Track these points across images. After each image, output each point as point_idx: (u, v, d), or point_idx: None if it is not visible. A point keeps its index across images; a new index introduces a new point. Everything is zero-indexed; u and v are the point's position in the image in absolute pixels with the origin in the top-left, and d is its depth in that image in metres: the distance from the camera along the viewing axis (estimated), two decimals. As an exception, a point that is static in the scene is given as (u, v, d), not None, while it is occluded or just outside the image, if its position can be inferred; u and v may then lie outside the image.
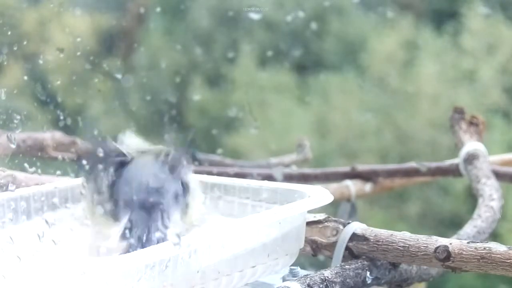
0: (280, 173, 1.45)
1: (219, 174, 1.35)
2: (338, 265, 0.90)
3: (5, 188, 0.91)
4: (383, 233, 0.92)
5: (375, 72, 3.00)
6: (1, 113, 0.96)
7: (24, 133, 1.22)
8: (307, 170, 1.56)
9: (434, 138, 2.74)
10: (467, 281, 2.43)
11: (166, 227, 0.82)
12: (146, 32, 2.61)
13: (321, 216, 0.96)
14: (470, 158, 1.32)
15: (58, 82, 1.33)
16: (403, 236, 0.91)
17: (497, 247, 0.85)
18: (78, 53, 1.45)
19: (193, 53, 2.08)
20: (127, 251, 0.79)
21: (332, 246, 0.93)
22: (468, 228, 1.11)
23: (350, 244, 0.92)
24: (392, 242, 0.91)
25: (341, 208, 1.47)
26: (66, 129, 1.32)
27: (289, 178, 1.44)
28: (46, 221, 0.87)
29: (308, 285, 0.83)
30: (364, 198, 1.53)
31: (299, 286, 0.82)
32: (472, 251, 0.86)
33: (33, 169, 1.01)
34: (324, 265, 0.92)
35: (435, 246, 0.88)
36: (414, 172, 1.47)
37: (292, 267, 0.91)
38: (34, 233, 0.83)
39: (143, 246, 0.80)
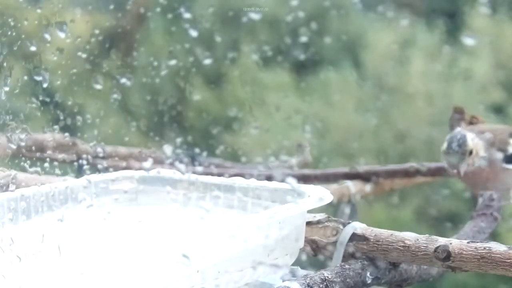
0: (280, 173, 1.45)
1: (219, 175, 1.35)
2: (338, 265, 0.90)
3: (5, 188, 0.91)
4: (383, 233, 0.92)
5: (373, 71, 3.00)
6: (1, 113, 0.96)
7: (24, 134, 1.22)
8: (307, 171, 1.56)
9: (431, 137, 2.74)
10: (462, 279, 2.43)
11: None
12: (146, 32, 2.61)
13: (321, 216, 0.96)
14: (470, 158, 1.32)
15: (58, 82, 1.33)
16: (403, 236, 0.91)
17: (497, 247, 0.85)
18: (79, 53, 1.45)
19: (193, 53, 2.08)
20: None
21: (332, 246, 0.93)
22: (468, 228, 1.11)
23: (350, 244, 0.92)
24: (392, 242, 0.91)
25: (341, 208, 1.47)
26: (66, 129, 1.32)
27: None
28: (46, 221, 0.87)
29: (308, 285, 0.83)
30: (364, 198, 1.53)
31: (299, 286, 0.82)
32: (472, 251, 0.86)
33: (33, 169, 1.01)
34: (324, 265, 0.92)
35: (435, 246, 0.88)
36: (414, 172, 1.48)
37: (292, 267, 0.91)
38: (34, 233, 0.84)
39: None
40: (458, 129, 1.19)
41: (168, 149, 1.04)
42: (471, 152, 1.16)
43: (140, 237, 0.92)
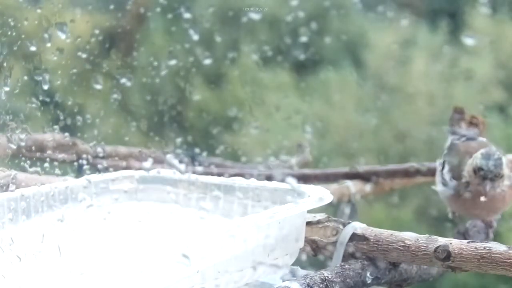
0: (280, 173, 1.45)
1: (219, 175, 1.35)
2: (338, 265, 0.90)
3: (5, 188, 0.91)
4: (383, 233, 0.92)
5: (374, 71, 3.01)
6: (1, 113, 0.96)
7: (24, 134, 1.23)
8: (307, 171, 1.56)
9: (431, 137, 2.74)
10: (462, 279, 2.43)
11: None
12: (146, 32, 2.62)
13: (321, 216, 0.96)
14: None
15: (58, 82, 1.33)
16: (403, 236, 0.91)
17: (497, 247, 0.85)
18: (79, 53, 1.45)
19: (193, 53, 2.08)
20: None
21: (332, 246, 0.93)
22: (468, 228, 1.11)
23: (350, 244, 0.92)
24: (392, 242, 0.91)
25: (341, 208, 1.47)
26: (66, 129, 1.32)
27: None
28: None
29: (308, 285, 0.83)
30: (364, 198, 1.53)
31: (299, 286, 0.82)
32: (472, 250, 0.86)
33: (33, 169, 1.01)
34: (324, 265, 0.92)
35: (435, 245, 0.88)
36: (414, 172, 1.48)
37: (292, 267, 0.91)
38: (34, 233, 0.83)
39: None
40: (493, 148, 1.11)
41: (171, 159, 1.04)
42: (502, 176, 1.08)
43: (140, 237, 0.92)
